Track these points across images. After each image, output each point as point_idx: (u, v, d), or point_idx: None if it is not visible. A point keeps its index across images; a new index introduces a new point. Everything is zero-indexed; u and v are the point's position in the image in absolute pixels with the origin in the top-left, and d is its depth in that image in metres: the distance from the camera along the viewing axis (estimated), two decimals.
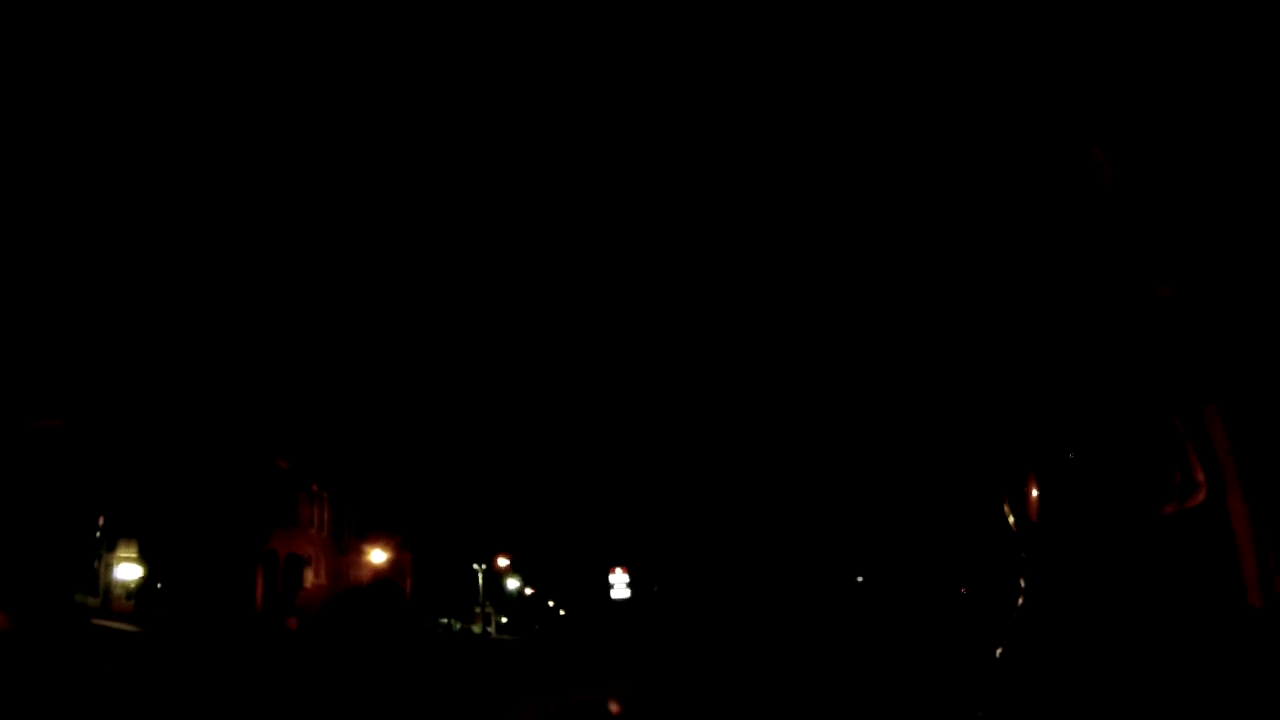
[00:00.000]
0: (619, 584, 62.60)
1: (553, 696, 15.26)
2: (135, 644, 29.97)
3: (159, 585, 35.84)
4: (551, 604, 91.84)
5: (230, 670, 22.79)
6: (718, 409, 53.66)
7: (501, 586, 72.77)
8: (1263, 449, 4.09)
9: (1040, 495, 4.45)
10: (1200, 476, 4.02)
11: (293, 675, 21.75)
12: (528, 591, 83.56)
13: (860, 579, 46.75)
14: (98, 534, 35.01)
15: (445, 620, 57.55)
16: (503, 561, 70.17)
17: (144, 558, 36.03)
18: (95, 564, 35.56)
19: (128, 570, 36.07)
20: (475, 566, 64.22)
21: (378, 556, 47.15)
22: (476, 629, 61.29)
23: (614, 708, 13.25)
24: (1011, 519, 4.56)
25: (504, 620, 73.39)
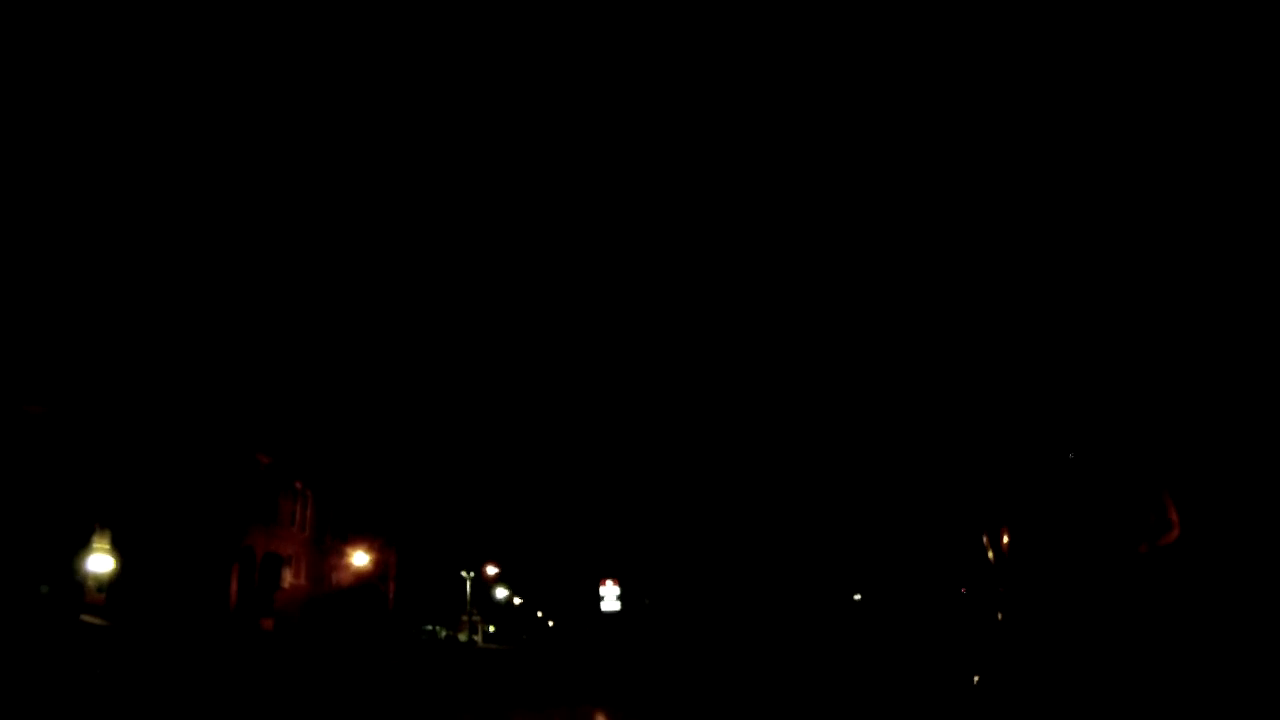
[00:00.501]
0: (609, 596, 61.50)
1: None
2: (103, 638, 28.95)
3: (131, 578, 34.64)
4: (540, 614, 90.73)
5: (199, 670, 21.92)
6: (714, 421, 53.02)
7: (489, 595, 71.62)
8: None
9: (1012, 538, 4.56)
10: (1174, 516, 4.14)
11: (266, 679, 21.01)
12: (516, 601, 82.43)
13: (857, 597, 45.65)
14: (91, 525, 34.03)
15: (431, 627, 56.31)
16: (491, 570, 69.04)
17: (117, 549, 34.82)
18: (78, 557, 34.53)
19: (100, 562, 34.90)
20: (463, 574, 63.11)
21: (361, 559, 45.94)
22: (463, 637, 60.05)
23: None
24: (991, 554, 4.67)
25: (491, 629, 72.32)
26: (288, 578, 41.12)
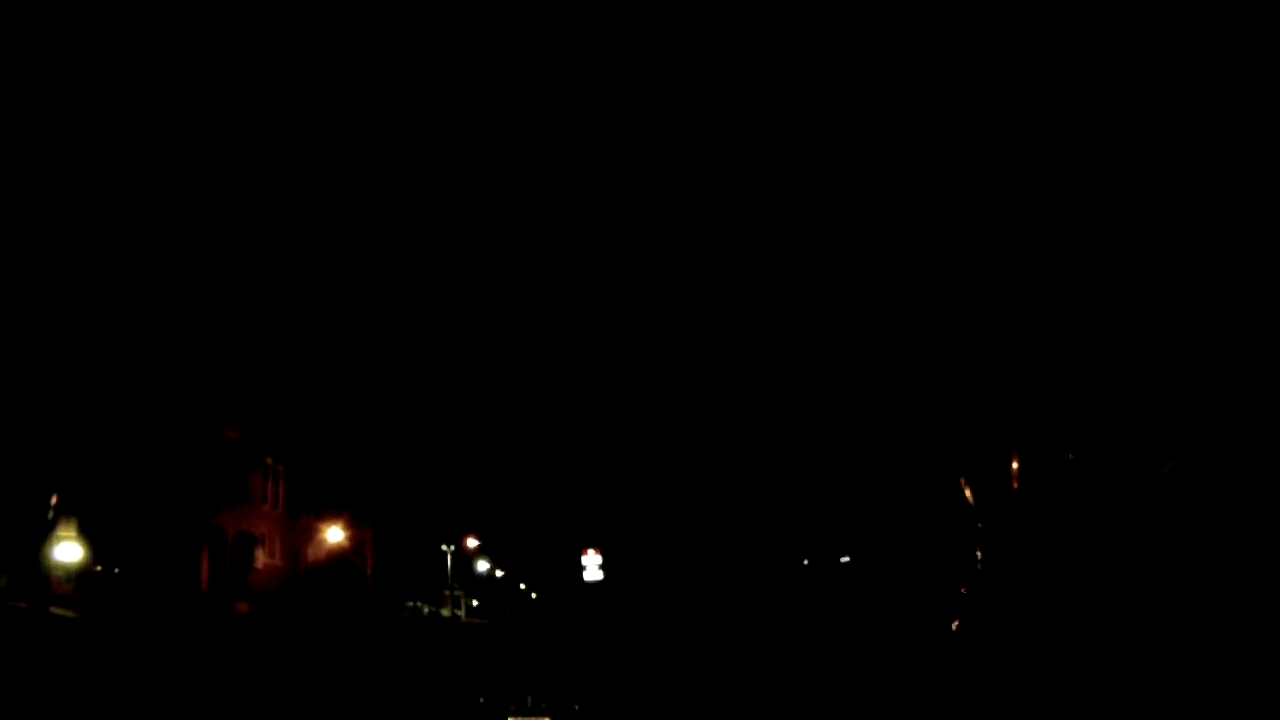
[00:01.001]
0: (591, 566, 60.97)
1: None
2: (73, 631, 27.93)
3: (99, 566, 33.41)
4: (523, 586, 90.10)
5: (173, 662, 21.04)
6: (694, 386, 52.42)
7: (471, 568, 70.70)
8: None
9: (1021, 465, 5.69)
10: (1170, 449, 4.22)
11: (243, 664, 20.19)
12: (498, 574, 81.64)
13: (845, 559, 45.25)
14: (50, 514, 32.70)
15: (413, 603, 55.38)
16: (472, 543, 68.11)
17: (84, 536, 33.52)
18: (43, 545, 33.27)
19: (67, 551, 33.63)
20: (443, 548, 62.15)
21: (335, 535, 44.83)
22: (446, 612, 59.17)
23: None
24: (969, 492, 5.78)
25: (475, 603, 71.53)
26: (261, 557, 39.99)
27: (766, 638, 25.81)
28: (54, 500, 31.45)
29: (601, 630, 35.86)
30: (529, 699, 13.08)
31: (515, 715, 11.90)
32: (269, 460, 41.77)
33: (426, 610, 56.30)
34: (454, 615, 59.67)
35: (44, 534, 32.67)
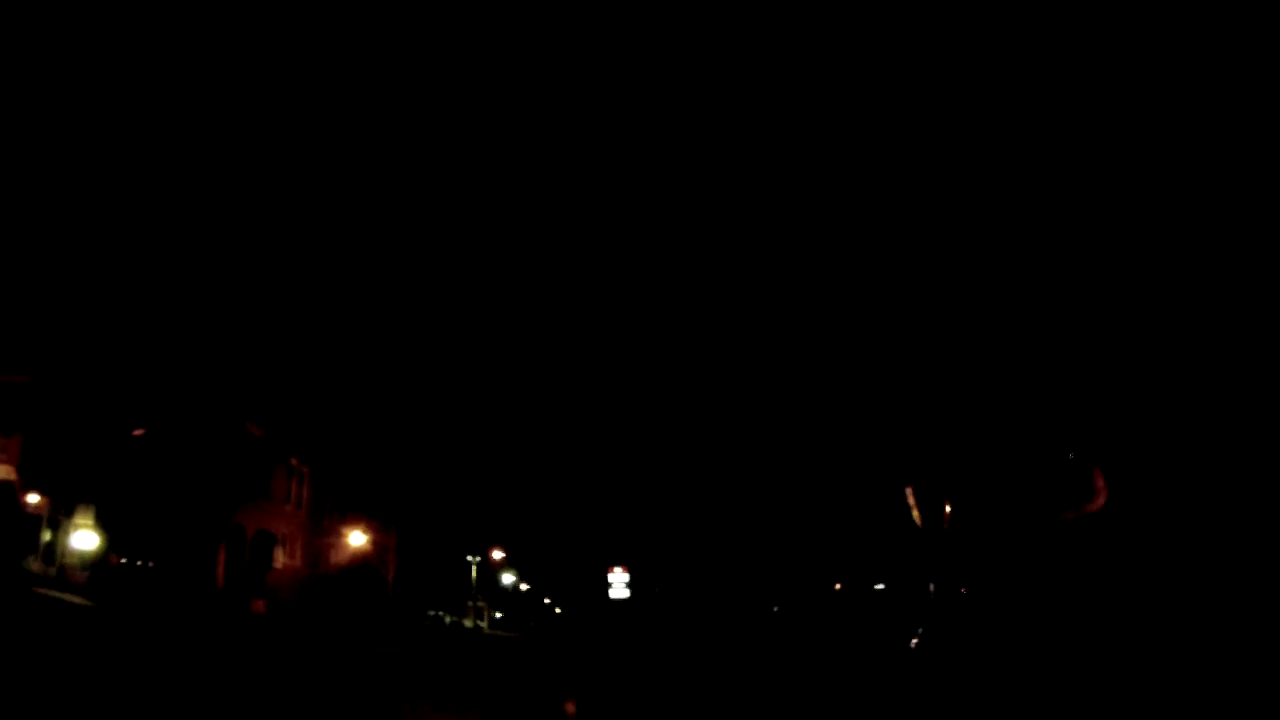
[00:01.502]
0: (618, 583, 59.83)
1: None
2: (82, 619, 27.41)
3: (116, 557, 32.91)
4: (547, 601, 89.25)
5: (183, 652, 20.36)
6: (731, 410, 51.74)
7: (495, 580, 69.90)
8: None
9: (953, 507, 4.67)
10: (1100, 484, 4.39)
11: (255, 664, 19.44)
12: (523, 587, 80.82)
13: (880, 586, 43.99)
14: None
15: (435, 612, 54.69)
16: (498, 555, 67.32)
17: (101, 525, 33.08)
18: (42, 528, 32.89)
19: (83, 539, 33.21)
20: (469, 558, 61.44)
21: (358, 539, 44.11)
22: (468, 623, 58.46)
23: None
24: (916, 514, 4.80)
25: (498, 615, 70.74)
26: (280, 557, 39.35)
27: (779, 659, 25.12)
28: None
29: (617, 645, 34.94)
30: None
31: None
32: (294, 461, 41.20)
33: (449, 620, 55.59)
34: (476, 626, 58.92)
35: (60, 520, 32.38)
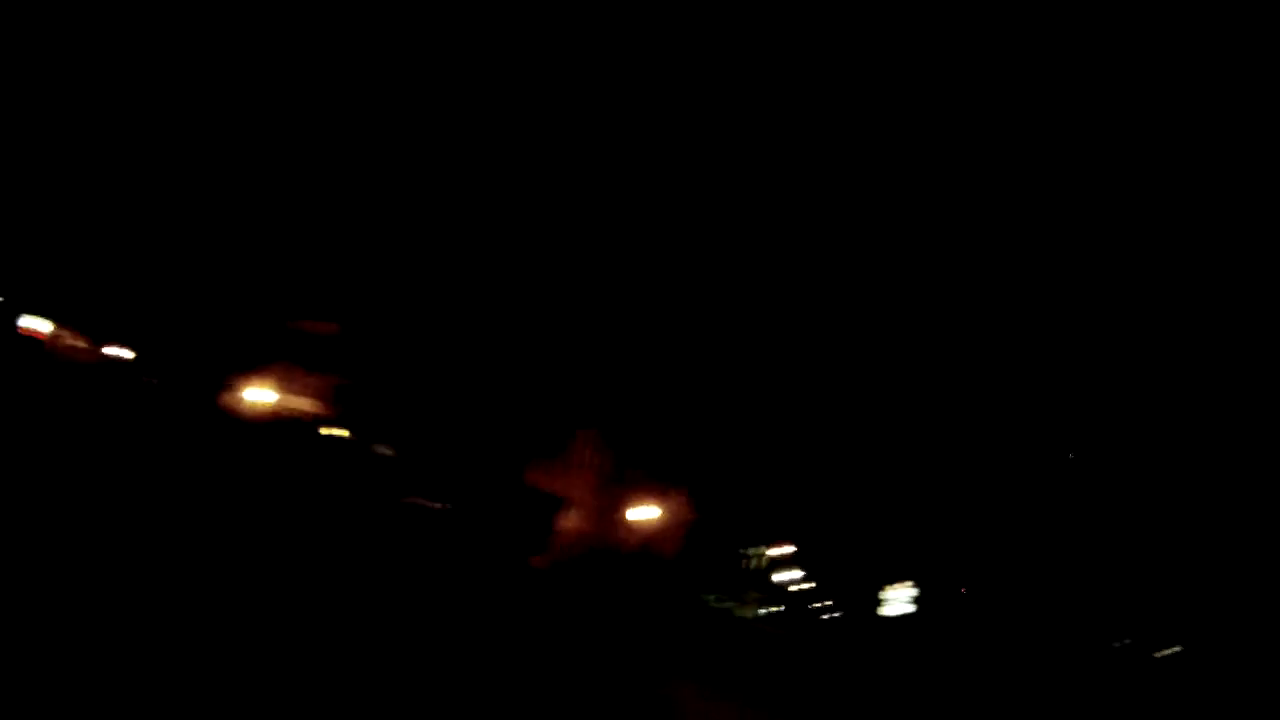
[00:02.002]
0: (900, 597, 58.00)
1: None
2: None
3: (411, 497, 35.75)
4: (829, 602, 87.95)
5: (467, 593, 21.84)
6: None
7: (770, 576, 69.43)
8: None
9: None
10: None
11: (531, 614, 20.59)
12: (805, 586, 79.83)
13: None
14: None
15: (711, 597, 55.27)
16: (782, 550, 66.83)
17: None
18: None
19: None
20: (751, 550, 61.52)
21: (645, 514, 45.18)
22: (747, 614, 58.64)
23: None
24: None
25: (776, 610, 70.35)
26: (567, 520, 41.32)
27: None
28: None
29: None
30: None
31: None
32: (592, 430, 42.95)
33: (725, 606, 55.97)
34: (752, 617, 58.96)
35: None
